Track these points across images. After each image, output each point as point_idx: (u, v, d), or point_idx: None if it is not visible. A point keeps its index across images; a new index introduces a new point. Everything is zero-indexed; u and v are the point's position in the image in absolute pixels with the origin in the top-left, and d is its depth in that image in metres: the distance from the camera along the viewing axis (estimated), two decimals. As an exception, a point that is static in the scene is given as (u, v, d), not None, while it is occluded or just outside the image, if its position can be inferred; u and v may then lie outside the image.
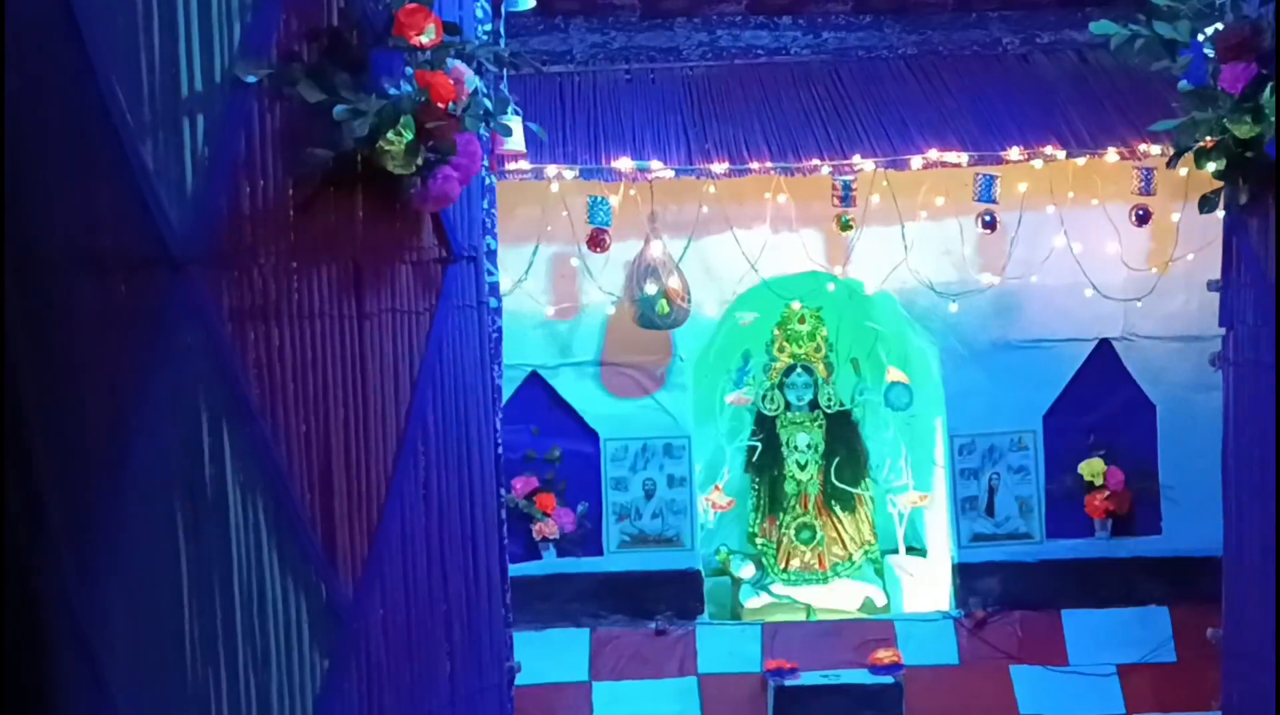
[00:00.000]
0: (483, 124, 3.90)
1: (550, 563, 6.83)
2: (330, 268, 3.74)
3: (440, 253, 3.97)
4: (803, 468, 7.33)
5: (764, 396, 7.34)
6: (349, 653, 3.80)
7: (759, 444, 7.34)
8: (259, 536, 3.72)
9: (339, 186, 3.71)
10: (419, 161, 3.68)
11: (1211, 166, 4.59)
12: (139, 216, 3.62)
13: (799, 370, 7.32)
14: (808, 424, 7.35)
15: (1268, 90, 4.23)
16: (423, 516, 3.96)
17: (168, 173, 3.61)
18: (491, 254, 4.26)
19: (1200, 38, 4.41)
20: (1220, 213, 4.76)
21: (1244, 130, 4.33)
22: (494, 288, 4.30)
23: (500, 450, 4.31)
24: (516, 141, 4.28)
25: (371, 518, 3.84)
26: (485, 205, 4.22)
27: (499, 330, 4.34)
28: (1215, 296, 4.97)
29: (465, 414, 4.08)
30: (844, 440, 7.35)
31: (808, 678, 6.56)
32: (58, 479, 3.74)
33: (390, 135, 3.60)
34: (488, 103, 3.97)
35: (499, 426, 4.32)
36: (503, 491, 4.35)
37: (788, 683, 6.54)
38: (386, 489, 3.86)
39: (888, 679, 6.53)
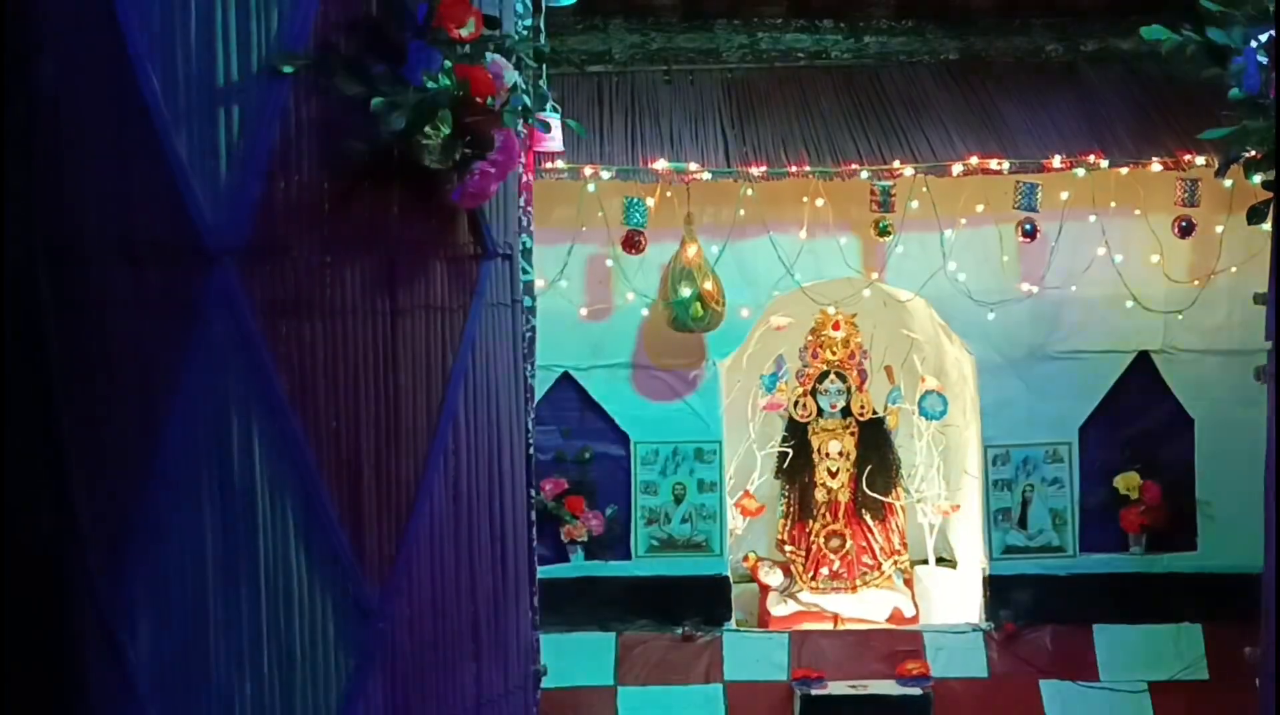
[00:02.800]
0: (521, 120, 3.86)
1: (578, 566, 6.80)
2: (364, 262, 3.70)
3: (475, 249, 3.92)
4: (834, 475, 7.28)
5: (796, 402, 7.28)
6: (375, 652, 3.75)
7: (790, 450, 7.29)
8: (287, 533, 3.68)
9: (375, 181, 3.67)
10: (456, 157, 3.63)
11: (1260, 177, 4.52)
12: (172, 207, 3.59)
13: (832, 377, 7.27)
14: (840, 431, 7.29)
15: (1322, 100, 4.14)
16: (452, 516, 3.91)
17: (202, 163, 3.58)
18: (526, 252, 4.23)
19: (1253, 44, 4.32)
20: (1268, 225, 4.67)
21: (1296, 140, 4.25)
22: (528, 286, 4.26)
23: (532, 450, 4.27)
24: (555, 139, 4.24)
25: (400, 517, 3.79)
26: (521, 203, 4.18)
27: (533, 329, 4.31)
28: (1257, 311, 4.88)
29: (497, 413, 4.04)
30: (876, 448, 7.29)
31: (835, 687, 6.51)
32: (86, 473, 3.71)
33: (428, 129, 3.56)
34: (526, 98, 3.92)
35: (530, 427, 4.28)
36: (533, 492, 4.30)
37: (814, 692, 6.48)
38: (416, 488, 3.81)
39: (915, 690, 6.47)
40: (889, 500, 7.27)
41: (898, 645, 6.78)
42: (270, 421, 3.63)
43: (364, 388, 3.70)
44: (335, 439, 3.68)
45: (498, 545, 4.04)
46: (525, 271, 4.21)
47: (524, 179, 4.17)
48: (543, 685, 4.43)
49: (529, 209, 4.27)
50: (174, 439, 3.63)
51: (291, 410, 3.63)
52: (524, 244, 4.21)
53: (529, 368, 4.27)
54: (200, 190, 3.58)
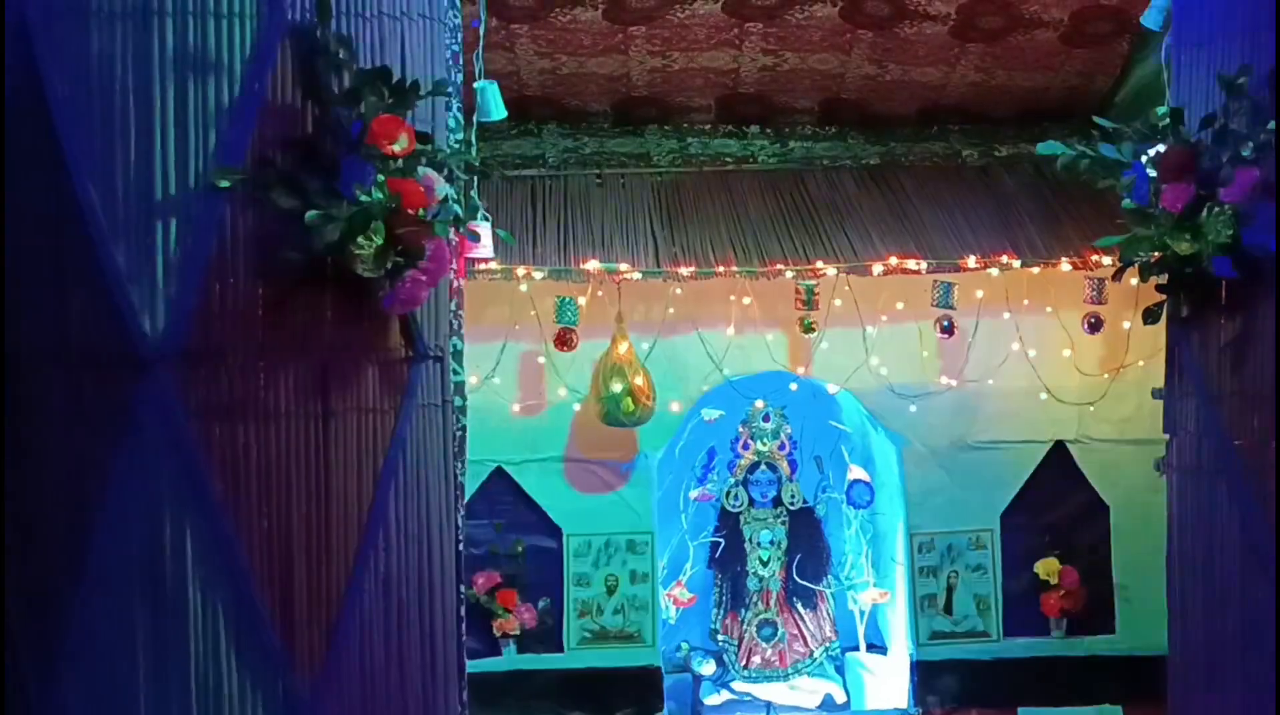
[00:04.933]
0: (452, 229, 4.01)
1: (510, 659, 6.83)
2: (298, 367, 3.79)
3: (406, 353, 4.03)
4: (765, 564, 7.39)
5: (728, 493, 7.42)
6: (307, 750, 3.80)
7: (722, 540, 7.41)
8: (218, 634, 3.72)
9: (309, 288, 3.77)
10: (388, 265, 3.76)
11: (1155, 280, 4.76)
12: (109, 315, 3.66)
13: (763, 467, 7.42)
14: (771, 520, 7.43)
15: (1205, 211, 4.40)
16: (382, 614, 3.96)
17: (139, 273, 3.66)
18: (458, 354, 4.33)
19: (1143, 159, 4.58)
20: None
21: (1184, 248, 4.48)
22: (459, 387, 4.36)
23: (461, 547, 4.35)
24: (485, 246, 4.40)
25: (331, 615, 3.84)
26: (453, 307, 4.30)
27: (463, 428, 4.40)
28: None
29: (427, 511, 4.12)
30: (806, 537, 7.44)
31: (766, 776, 6.58)
32: (20, 575, 3.74)
33: (361, 240, 3.68)
34: (458, 208, 4.07)
35: (460, 523, 4.37)
36: (463, 588, 4.38)
37: (746, 781, 6.54)
38: (346, 586, 3.87)
39: (845, 778, 6.55)
40: (820, 588, 7.40)
41: (828, 732, 6.88)
42: (202, 523, 3.69)
43: (296, 488, 3.79)
44: (266, 539, 3.75)
45: (428, 642, 4.10)
46: (456, 372, 4.32)
47: (455, 284, 4.31)
48: (474, 779, 4.46)
49: (460, 312, 4.39)
50: (105, 541, 3.67)
51: (224, 512, 3.70)
52: (455, 346, 4.32)
53: (459, 466, 4.35)
54: (137, 299, 3.66)
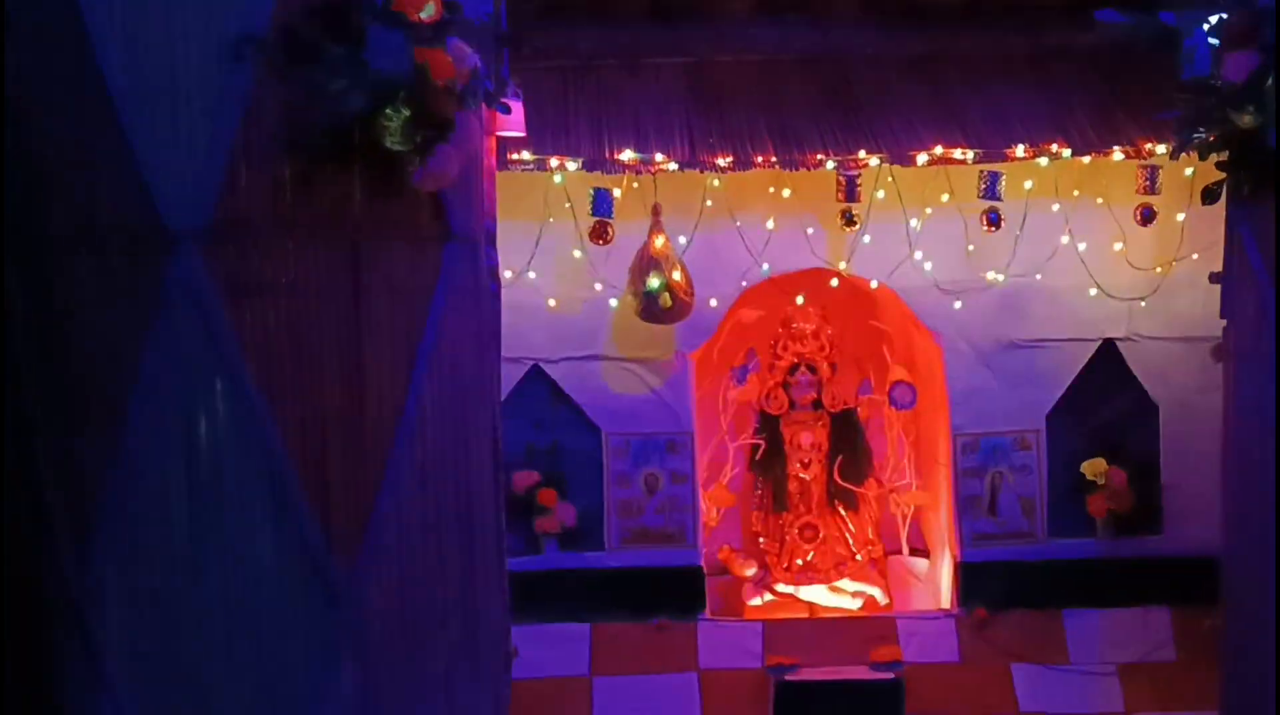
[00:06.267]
0: (482, 103, 3.91)
1: (552, 558, 6.82)
2: (328, 245, 3.75)
3: (439, 232, 3.97)
4: (806, 467, 7.31)
5: (768, 395, 7.32)
6: (345, 634, 3.79)
7: (762, 442, 7.33)
8: (254, 516, 3.72)
9: (337, 164, 3.72)
10: (417, 139, 3.68)
11: (1214, 158, 4.61)
12: (137, 194, 3.64)
13: (803, 368, 7.31)
14: (811, 423, 7.33)
15: (1270, 79, 4.23)
16: (419, 498, 3.95)
17: (165, 150, 3.62)
18: (490, 236, 4.27)
19: (1204, 27, 4.42)
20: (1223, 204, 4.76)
21: (1246, 121, 4.35)
22: (493, 271, 4.31)
23: (499, 432, 4.30)
24: (516, 122, 4.29)
25: (368, 498, 3.83)
26: (484, 187, 4.22)
27: (498, 313, 4.34)
28: (1217, 297, 4.97)
29: (463, 395, 4.08)
30: (847, 439, 7.34)
31: (809, 673, 6.56)
32: (55, 457, 3.75)
33: (388, 111, 3.61)
34: (488, 83, 3.98)
35: (498, 410, 4.32)
36: (501, 475, 4.34)
37: (789, 678, 6.53)
38: (383, 469, 3.85)
39: (888, 676, 6.52)
40: (861, 490, 7.33)
41: (871, 632, 6.83)
42: (236, 403, 3.68)
43: (329, 369, 3.75)
44: (301, 420, 3.72)
45: (465, 524, 4.08)
46: (490, 255, 4.26)
47: (486, 164, 4.22)
48: (518, 676, 4.47)
49: (493, 194, 4.31)
50: (140, 422, 3.68)
51: (257, 392, 3.68)
52: (488, 228, 4.25)
53: (495, 352, 4.30)
54: (163, 175, 3.63)
